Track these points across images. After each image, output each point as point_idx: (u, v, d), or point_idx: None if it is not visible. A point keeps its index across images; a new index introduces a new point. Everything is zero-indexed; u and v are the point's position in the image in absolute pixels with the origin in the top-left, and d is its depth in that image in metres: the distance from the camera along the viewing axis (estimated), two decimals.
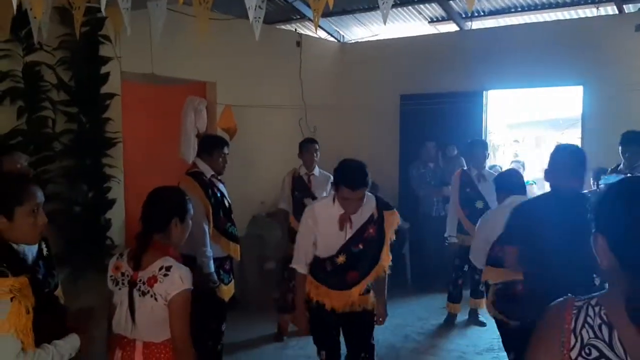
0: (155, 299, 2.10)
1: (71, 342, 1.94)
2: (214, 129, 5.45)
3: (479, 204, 5.00)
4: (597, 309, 1.21)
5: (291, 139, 5.80)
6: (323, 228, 2.93)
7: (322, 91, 6.83)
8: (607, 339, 1.17)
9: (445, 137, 6.27)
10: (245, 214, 5.73)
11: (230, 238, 3.87)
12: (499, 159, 12.32)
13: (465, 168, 5.38)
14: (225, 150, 3.89)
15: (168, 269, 2.12)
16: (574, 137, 11.05)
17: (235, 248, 3.91)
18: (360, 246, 2.94)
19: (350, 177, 2.79)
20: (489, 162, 7.30)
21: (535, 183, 7.43)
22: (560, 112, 11.91)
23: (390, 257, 3.06)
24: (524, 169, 7.31)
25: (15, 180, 2.10)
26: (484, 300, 5.45)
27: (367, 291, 3.07)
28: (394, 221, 3.01)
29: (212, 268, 3.67)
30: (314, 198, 4.84)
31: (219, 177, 3.87)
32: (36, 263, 2.46)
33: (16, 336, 1.73)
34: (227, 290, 3.89)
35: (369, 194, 2.96)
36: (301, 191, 4.85)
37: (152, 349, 2.15)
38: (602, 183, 4.00)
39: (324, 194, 4.92)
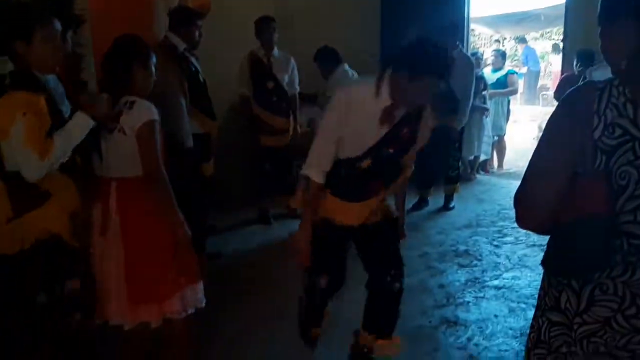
0: (124, 132, 2.14)
1: (76, 121, 2.02)
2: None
3: None
4: (620, 88, 1.19)
5: None
6: (355, 121, 2.18)
7: None
8: (631, 116, 1.17)
9: (428, 24, 6.08)
10: (223, 105, 5.59)
11: (206, 114, 3.80)
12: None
13: None
14: (199, 22, 3.75)
15: (132, 103, 2.16)
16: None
17: (212, 124, 3.86)
18: (391, 150, 2.27)
19: (440, 62, 2.05)
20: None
21: (516, 73, 7.43)
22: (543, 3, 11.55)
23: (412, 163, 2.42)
24: (503, 58, 7.25)
25: (31, 7, 2.07)
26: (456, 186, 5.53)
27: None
28: (431, 122, 2.34)
29: (191, 143, 3.62)
30: (275, 80, 4.71)
31: (192, 52, 3.74)
32: None
33: (32, 150, 1.87)
34: (208, 167, 3.89)
35: None
36: (261, 74, 4.69)
37: (125, 183, 2.22)
38: None
39: (286, 77, 4.77)
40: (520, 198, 1.31)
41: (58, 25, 2.03)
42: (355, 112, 2.17)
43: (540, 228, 1.33)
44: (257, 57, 4.70)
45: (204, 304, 2.43)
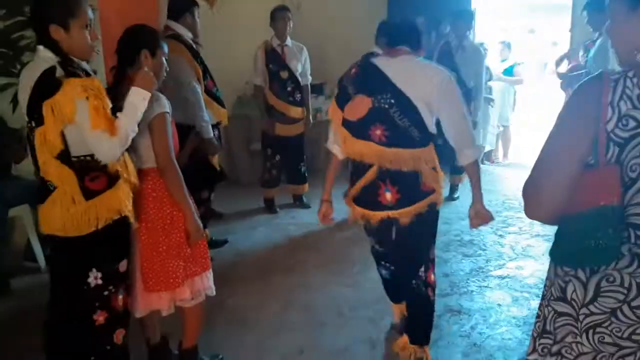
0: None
1: (134, 95, 2.03)
2: None
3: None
4: (635, 80, 1.19)
5: None
6: None
7: None
8: None
9: (436, 12, 6.05)
10: (230, 95, 5.61)
11: (219, 102, 3.81)
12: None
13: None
14: (198, 11, 3.74)
15: None
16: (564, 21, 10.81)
17: (224, 112, 3.87)
18: None
19: None
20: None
21: (522, 64, 7.38)
22: None
23: None
24: (509, 49, 7.21)
25: None
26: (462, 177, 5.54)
27: None
28: None
29: (212, 133, 3.62)
30: (289, 70, 4.72)
31: (196, 41, 3.75)
32: None
33: (102, 130, 1.90)
34: (218, 159, 3.90)
35: None
36: (276, 64, 4.69)
37: (140, 175, 2.22)
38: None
39: (299, 66, 4.79)
40: (529, 188, 1.31)
41: (90, 12, 2.04)
42: None
43: (549, 218, 1.33)
44: (271, 47, 4.70)
45: (214, 293, 2.47)
